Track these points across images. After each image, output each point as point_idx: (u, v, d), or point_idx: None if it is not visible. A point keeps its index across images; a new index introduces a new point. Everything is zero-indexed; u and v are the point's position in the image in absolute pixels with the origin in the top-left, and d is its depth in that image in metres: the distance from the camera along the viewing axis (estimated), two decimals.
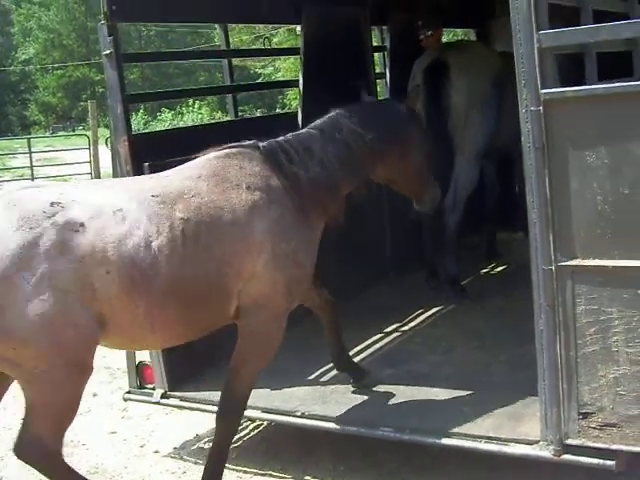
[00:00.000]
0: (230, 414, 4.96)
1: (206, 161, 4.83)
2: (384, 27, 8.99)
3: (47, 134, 55.02)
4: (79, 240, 4.16)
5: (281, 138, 5.02)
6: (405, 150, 5.28)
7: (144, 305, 4.35)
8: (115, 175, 5.84)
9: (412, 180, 5.45)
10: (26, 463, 4.34)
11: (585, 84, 4.18)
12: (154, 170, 5.37)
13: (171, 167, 4.78)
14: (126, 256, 4.25)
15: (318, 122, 5.17)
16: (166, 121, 44.63)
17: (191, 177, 4.69)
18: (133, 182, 4.82)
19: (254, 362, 4.92)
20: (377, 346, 6.47)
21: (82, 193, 4.41)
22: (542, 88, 3.95)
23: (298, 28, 7.73)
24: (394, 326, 6.86)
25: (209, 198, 4.60)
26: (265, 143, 4.97)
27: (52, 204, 4.21)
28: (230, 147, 4.91)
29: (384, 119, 5.32)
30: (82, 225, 4.20)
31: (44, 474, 4.39)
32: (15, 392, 4.41)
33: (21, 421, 4.33)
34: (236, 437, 6.16)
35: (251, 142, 4.95)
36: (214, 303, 4.65)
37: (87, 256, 4.16)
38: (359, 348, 6.29)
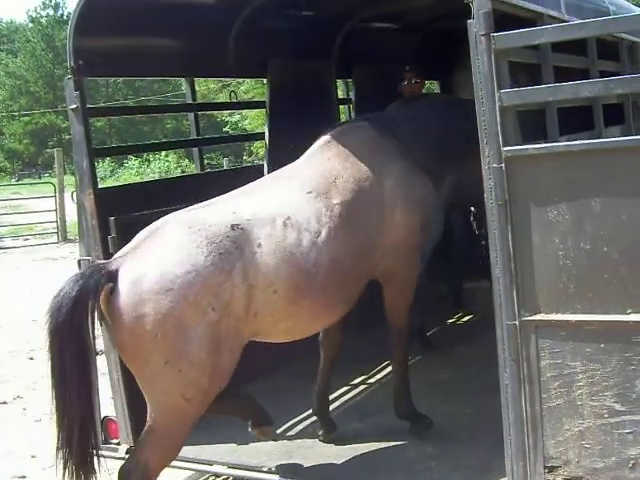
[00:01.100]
0: (399, 345, 5.50)
1: (325, 143, 5.20)
2: (349, 79, 9.08)
3: (13, 181, 54.78)
4: (256, 263, 4.37)
5: (387, 111, 5.69)
6: None
7: (308, 303, 4.60)
8: (80, 228, 5.82)
9: None
10: None
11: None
12: (120, 225, 5.40)
13: (138, 222, 4.78)
14: (294, 267, 4.49)
15: (422, 101, 5.73)
16: (133, 169, 44.59)
17: (322, 162, 5.05)
18: (282, 182, 5.01)
19: (404, 296, 5.43)
20: (343, 399, 6.45)
21: (251, 207, 4.59)
22: (504, 145, 4.00)
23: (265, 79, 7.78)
24: (360, 379, 6.86)
25: (347, 174, 4.97)
26: (371, 114, 5.54)
27: (233, 227, 4.38)
28: (339, 125, 5.40)
29: None
30: (259, 246, 4.41)
31: None
32: None
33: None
34: None
35: (358, 117, 5.47)
36: (363, 267, 5.00)
37: (260, 280, 4.37)
38: None
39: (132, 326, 4.15)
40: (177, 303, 4.12)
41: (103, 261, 4.53)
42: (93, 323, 4.23)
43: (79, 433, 4.30)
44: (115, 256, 4.48)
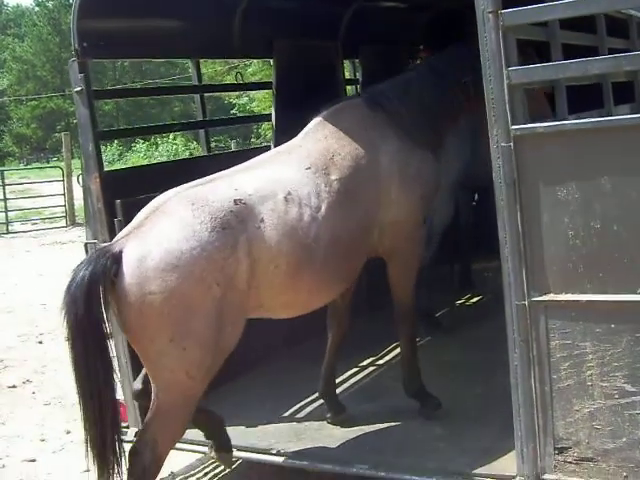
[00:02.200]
0: (406, 322, 5.49)
1: (322, 121, 5.20)
2: (356, 60, 9.02)
3: (21, 165, 54.83)
4: (260, 238, 4.41)
5: (380, 85, 5.51)
6: None
7: (308, 277, 4.64)
8: (87, 211, 5.81)
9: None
10: (133, 471, 4.39)
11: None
12: (127, 208, 5.37)
13: (145, 204, 4.75)
14: (296, 241, 4.53)
15: (417, 66, 5.70)
16: (140, 152, 44.53)
17: (320, 139, 5.06)
18: (281, 158, 5.02)
19: (408, 274, 5.44)
20: (352, 381, 6.43)
21: (253, 182, 4.61)
22: (512, 124, 3.97)
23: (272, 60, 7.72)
24: (369, 360, 6.84)
25: (344, 151, 5.00)
26: (365, 91, 5.60)
27: (236, 202, 4.40)
28: (334, 103, 5.34)
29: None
30: (262, 221, 4.45)
31: None
32: None
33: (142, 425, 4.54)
34: (211, 474, 6.13)
35: (353, 94, 5.40)
36: (362, 243, 5.02)
37: (263, 255, 4.40)
38: None
39: (139, 305, 4.16)
40: (183, 280, 4.14)
41: (107, 244, 4.52)
42: (107, 309, 4.25)
43: (111, 420, 4.36)
44: (117, 237, 4.49)
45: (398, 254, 5.32)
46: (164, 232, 4.25)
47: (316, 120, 5.25)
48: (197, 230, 4.23)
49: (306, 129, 5.24)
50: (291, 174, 4.76)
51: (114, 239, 4.49)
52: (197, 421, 5.13)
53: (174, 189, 4.59)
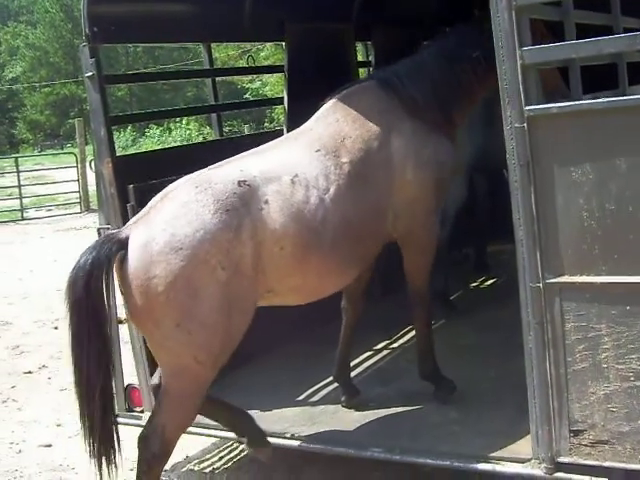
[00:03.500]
0: (421, 306, 5.42)
1: (334, 105, 5.18)
2: (369, 42, 8.96)
3: (35, 152, 54.93)
4: (264, 220, 4.38)
5: (392, 66, 5.43)
6: None
7: (316, 261, 4.61)
8: (100, 197, 5.80)
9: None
10: (142, 457, 4.41)
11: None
12: (139, 193, 5.36)
13: (157, 189, 4.73)
14: (303, 224, 4.50)
15: (428, 46, 5.54)
16: (154, 137, 44.55)
17: (331, 123, 5.04)
18: (291, 142, 5.03)
19: (423, 259, 5.36)
20: (366, 364, 6.42)
21: (259, 164, 4.60)
22: (526, 105, 3.93)
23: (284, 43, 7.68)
24: (383, 344, 6.82)
25: (355, 135, 4.96)
26: (378, 73, 5.53)
27: (240, 184, 4.39)
28: (347, 86, 5.29)
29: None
30: (267, 202, 4.43)
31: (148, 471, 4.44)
32: None
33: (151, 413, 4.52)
34: (226, 458, 6.14)
35: (366, 77, 5.32)
36: (374, 227, 4.98)
37: (268, 236, 4.38)
38: None
39: (144, 289, 4.17)
40: (188, 262, 4.15)
41: (115, 230, 4.57)
42: (108, 293, 4.29)
43: (102, 403, 4.35)
44: (127, 224, 4.53)
45: (413, 239, 5.27)
46: (168, 217, 4.27)
47: (328, 104, 5.22)
48: (200, 213, 4.23)
49: (318, 113, 5.21)
50: (299, 157, 4.74)
51: (124, 226, 4.51)
52: (226, 423, 5.13)
53: (186, 176, 4.60)
